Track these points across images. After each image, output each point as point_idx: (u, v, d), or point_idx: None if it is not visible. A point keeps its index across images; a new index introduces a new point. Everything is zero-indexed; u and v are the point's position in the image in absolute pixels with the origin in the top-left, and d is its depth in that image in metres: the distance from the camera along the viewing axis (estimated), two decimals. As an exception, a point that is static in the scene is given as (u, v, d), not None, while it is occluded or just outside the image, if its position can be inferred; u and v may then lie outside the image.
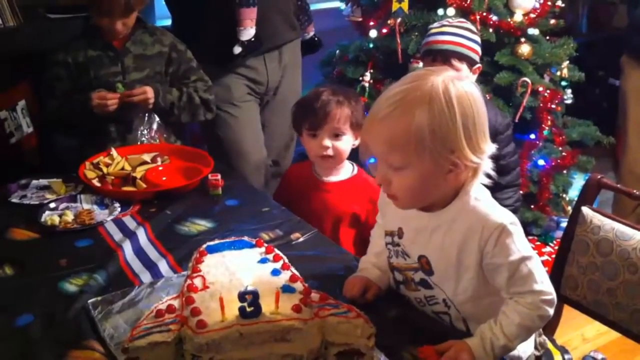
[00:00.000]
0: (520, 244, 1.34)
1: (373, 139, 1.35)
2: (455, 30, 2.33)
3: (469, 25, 2.39)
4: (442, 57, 2.29)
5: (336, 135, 2.12)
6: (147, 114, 2.48)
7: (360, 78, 3.23)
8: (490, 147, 1.34)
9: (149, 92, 2.44)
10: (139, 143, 2.46)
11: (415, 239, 1.45)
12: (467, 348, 1.31)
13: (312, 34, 3.15)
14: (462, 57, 2.29)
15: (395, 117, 1.29)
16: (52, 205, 2.08)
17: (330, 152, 2.12)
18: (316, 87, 2.29)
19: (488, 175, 1.37)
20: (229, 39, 2.73)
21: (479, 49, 2.38)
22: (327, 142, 2.11)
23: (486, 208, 1.36)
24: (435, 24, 2.42)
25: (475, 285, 1.39)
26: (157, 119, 2.51)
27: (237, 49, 2.74)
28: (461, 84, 1.31)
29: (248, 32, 2.73)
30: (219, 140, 2.86)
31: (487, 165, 1.35)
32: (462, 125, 1.28)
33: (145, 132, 2.47)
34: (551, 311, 1.35)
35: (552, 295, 1.36)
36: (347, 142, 2.14)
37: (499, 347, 1.32)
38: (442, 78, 1.30)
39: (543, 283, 1.35)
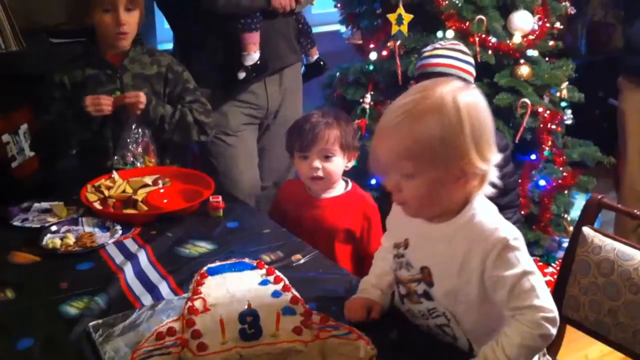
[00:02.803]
0: (523, 259, 1.35)
1: (383, 148, 1.37)
2: (447, 53, 2.36)
3: (461, 47, 2.42)
4: None
5: (326, 157, 2.14)
6: (138, 130, 2.49)
7: (361, 100, 3.24)
8: (496, 157, 1.37)
9: (142, 96, 2.43)
10: (127, 154, 2.47)
11: (420, 249, 1.46)
12: None
13: (316, 57, 3.16)
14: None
15: (406, 125, 1.32)
16: (54, 228, 2.08)
17: (320, 173, 2.15)
18: (317, 110, 2.31)
19: (493, 185, 1.39)
20: (233, 64, 2.75)
21: (472, 69, 2.40)
22: (317, 164, 2.14)
23: (492, 222, 1.37)
24: (428, 47, 2.45)
25: (475, 300, 1.38)
26: (148, 135, 2.52)
27: (242, 74, 2.75)
28: (469, 92, 1.35)
29: (252, 57, 2.74)
30: (212, 167, 2.87)
31: (492, 175, 1.37)
32: (470, 133, 1.31)
33: (135, 138, 2.47)
34: (553, 330, 1.34)
35: (554, 313, 1.35)
36: (337, 164, 2.16)
37: None
38: (449, 88, 1.34)
39: (545, 300, 1.34)
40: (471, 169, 1.33)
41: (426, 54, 2.42)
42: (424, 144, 1.31)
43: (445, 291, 1.41)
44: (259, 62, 2.75)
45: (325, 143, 2.13)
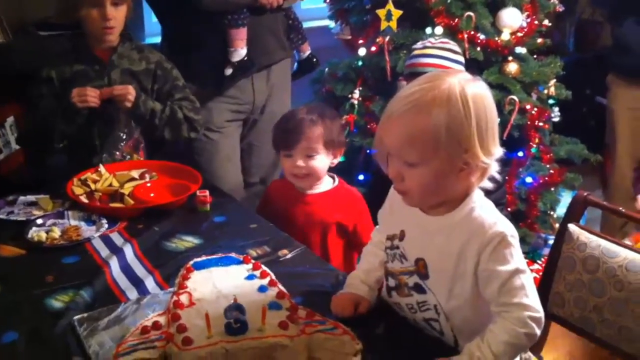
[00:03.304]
0: (517, 257, 1.36)
1: (389, 136, 1.38)
2: (437, 52, 2.36)
3: (451, 45, 2.42)
4: None
5: (309, 156, 2.14)
6: (127, 128, 2.48)
7: (350, 96, 3.24)
8: (498, 150, 1.37)
9: (131, 89, 2.43)
10: (116, 153, 2.45)
11: (416, 241, 1.46)
12: None
13: (307, 53, 3.15)
14: None
15: (413, 115, 1.33)
16: (39, 221, 2.07)
17: (303, 171, 2.15)
18: (302, 107, 2.30)
19: (493, 179, 1.40)
20: (221, 60, 2.74)
21: (462, 69, 2.40)
22: (300, 162, 2.14)
23: (491, 216, 1.39)
24: (418, 45, 2.45)
25: (467, 293, 1.39)
26: (137, 132, 2.50)
27: (228, 71, 2.74)
28: (476, 85, 1.36)
29: (239, 53, 2.73)
30: (194, 163, 2.85)
31: (494, 168, 1.38)
32: (476, 126, 1.32)
33: (124, 136, 2.46)
34: (538, 330, 1.35)
35: (541, 313, 1.36)
36: (321, 161, 2.16)
37: None
38: (457, 79, 1.35)
39: (533, 299, 1.36)
40: (474, 161, 1.34)
41: (416, 52, 2.42)
42: (429, 134, 1.31)
43: (440, 284, 1.42)
44: (245, 59, 2.74)
45: (309, 141, 2.12)
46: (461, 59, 2.40)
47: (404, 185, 1.39)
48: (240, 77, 2.81)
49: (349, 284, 1.60)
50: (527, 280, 1.36)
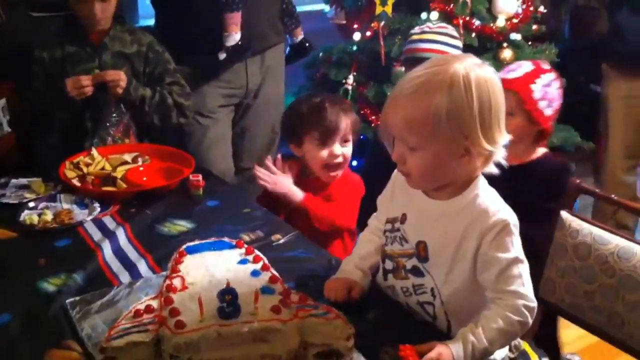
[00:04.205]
0: (517, 246, 1.37)
1: (392, 119, 1.38)
2: (435, 37, 2.34)
3: (449, 30, 2.41)
4: None
5: (345, 141, 2.15)
6: (118, 112, 2.47)
7: (344, 81, 3.24)
8: (504, 138, 1.36)
9: (122, 75, 2.42)
10: (107, 137, 2.45)
11: (418, 225, 1.46)
12: (447, 350, 1.31)
13: (300, 37, 3.14)
14: None
15: (416, 99, 1.33)
16: (31, 204, 2.06)
17: (341, 159, 2.14)
18: (307, 96, 2.28)
19: (499, 165, 1.39)
20: (214, 43, 2.72)
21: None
22: (339, 150, 2.13)
23: (495, 204, 1.39)
24: (416, 29, 2.43)
25: (465, 278, 1.40)
26: (128, 116, 2.50)
27: (222, 55, 2.73)
28: (482, 71, 1.34)
29: (233, 38, 2.71)
30: (184, 148, 2.84)
31: (499, 155, 1.37)
32: (478, 113, 1.31)
33: (114, 120, 2.45)
34: (531, 320, 1.37)
35: (534, 303, 1.37)
36: (351, 148, 2.18)
37: (480, 350, 1.33)
38: (464, 64, 1.34)
39: (528, 289, 1.37)
40: (475, 148, 1.33)
41: (414, 37, 2.40)
42: (430, 118, 1.31)
43: (439, 267, 1.43)
44: (239, 43, 2.72)
45: (346, 129, 2.13)
46: (459, 44, 2.39)
47: (406, 168, 1.40)
48: (234, 62, 2.79)
49: (342, 270, 1.61)
50: (524, 271, 1.37)
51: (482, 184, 1.42)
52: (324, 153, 2.13)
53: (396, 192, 1.53)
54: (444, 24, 2.47)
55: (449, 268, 1.42)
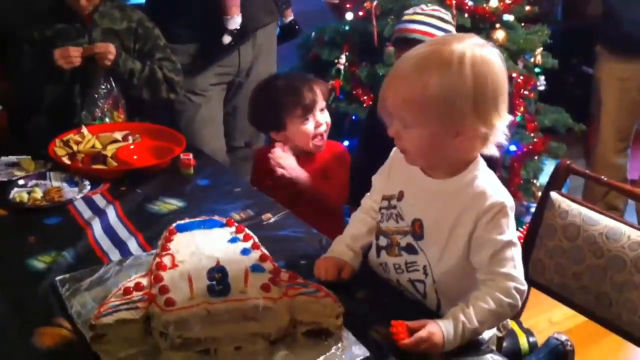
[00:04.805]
0: (512, 229, 1.38)
1: (390, 95, 1.38)
2: (426, 19, 2.33)
3: (441, 13, 2.39)
4: (411, 46, 2.29)
5: (321, 110, 2.21)
6: (107, 85, 2.45)
7: (336, 61, 3.22)
8: (503, 120, 1.35)
9: (111, 47, 2.41)
10: (96, 110, 2.43)
11: (415, 202, 1.47)
12: (438, 329, 1.32)
13: (290, 18, 3.12)
14: None
15: (413, 78, 1.33)
16: (21, 182, 2.05)
17: (325, 126, 2.21)
18: (266, 86, 2.29)
19: (500, 146, 1.39)
20: (204, 21, 2.70)
21: None
22: (322, 119, 2.20)
23: (493, 186, 1.40)
24: (409, 11, 2.42)
25: (458, 257, 1.40)
26: (117, 90, 2.49)
27: (227, 39, 2.70)
28: (483, 52, 1.33)
29: (235, 21, 2.69)
30: (176, 126, 2.83)
31: (500, 137, 1.37)
32: (472, 93, 1.30)
33: (103, 93, 2.44)
34: (520, 302, 1.38)
35: (525, 286, 1.38)
36: (328, 114, 2.25)
37: (469, 330, 1.34)
38: (464, 44, 1.33)
39: (519, 273, 1.38)
40: (469, 129, 1.33)
41: (406, 17, 2.39)
42: (424, 97, 1.31)
43: (433, 245, 1.43)
44: (240, 28, 2.69)
45: (321, 97, 2.20)
46: (451, 28, 2.38)
47: (402, 144, 1.41)
48: (238, 45, 2.77)
49: (333, 249, 1.61)
50: (517, 254, 1.38)
51: (481, 165, 1.42)
52: (310, 126, 2.18)
53: (394, 170, 1.54)
54: (437, 7, 2.45)
55: (443, 247, 1.42)
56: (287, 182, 2.17)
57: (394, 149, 1.51)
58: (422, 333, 1.31)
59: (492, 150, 1.38)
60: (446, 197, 1.42)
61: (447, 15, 2.43)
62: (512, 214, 1.38)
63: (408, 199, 1.48)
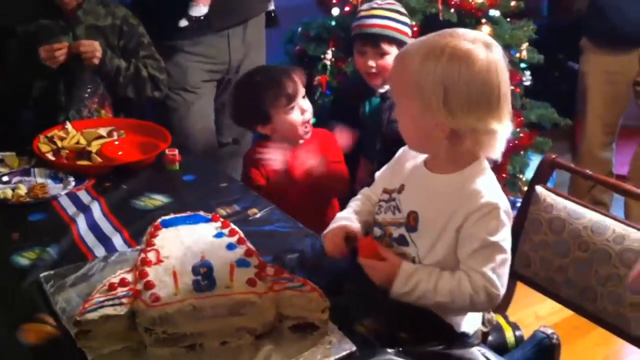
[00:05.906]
0: (503, 233, 1.38)
1: (390, 76, 1.52)
2: (384, 13, 2.35)
3: (397, 6, 2.41)
4: (372, 40, 2.32)
5: (303, 97, 2.22)
6: (92, 84, 2.44)
7: (322, 56, 3.21)
8: (481, 123, 1.34)
9: (97, 45, 2.39)
10: (83, 109, 2.42)
11: (414, 195, 1.48)
12: (398, 264, 1.39)
13: (271, 8, 3.10)
14: (392, 40, 2.31)
15: (402, 61, 1.40)
16: (5, 178, 2.05)
17: (310, 113, 2.22)
18: (245, 81, 2.29)
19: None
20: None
21: (408, 30, 2.39)
22: (306, 105, 2.21)
23: (491, 188, 1.40)
24: (364, 6, 2.44)
25: (446, 253, 1.41)
26: (103, 88, 2.47)
27: (183, 22, 2.65)
28: (468, 47, 1.33)
29: (198, 9, 2.65)
30: (166, 123, 2.82)
31: (500, 142, 1.38)
32: (443, 90, 1.32)
33: (89, 91, 2.43)
34: (486, 306, 1.41)
35: (498, 292, 1.36)
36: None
37: (422, 290, 1.36)
38: (457, 38, 1.35)
39: (498, 278, 1.36)
40: (443, 124, 1.35)
41: (362, 14, 2.40)
42: (404, 82, 1.38)
43: (425, 238, 1.43)
44: (202, 18, 2.66)
45: (302, 84, 2.22)
46: (407, 20, 2.40)
47: (400, 124, 1.46)
48: (194, 36, 2.74)
49: (338, 219, 1.60)
50: (501, 260, 1.37)
51: (484, 166, 1.43)
52: (296, 115, 2.18)
53: (399, 166, 1.56)
54: (392, 1, 2.46)
55: (434, 241, 1.42)
56: (281, 181, 2.16)
57: (404, 147, 1.54)
58: (382, 254, 1.39)
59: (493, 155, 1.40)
60: (444, 192, 1.42)
61: (402, 8, 2.45)
62: (505, 219, 1.38)
63: (408, 192, 1.49)
